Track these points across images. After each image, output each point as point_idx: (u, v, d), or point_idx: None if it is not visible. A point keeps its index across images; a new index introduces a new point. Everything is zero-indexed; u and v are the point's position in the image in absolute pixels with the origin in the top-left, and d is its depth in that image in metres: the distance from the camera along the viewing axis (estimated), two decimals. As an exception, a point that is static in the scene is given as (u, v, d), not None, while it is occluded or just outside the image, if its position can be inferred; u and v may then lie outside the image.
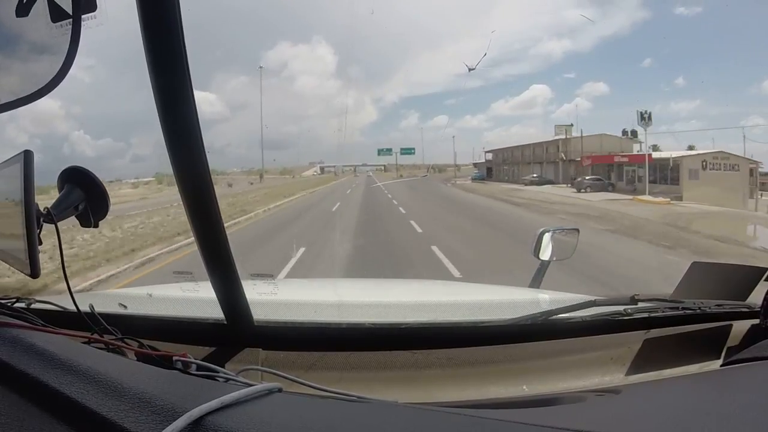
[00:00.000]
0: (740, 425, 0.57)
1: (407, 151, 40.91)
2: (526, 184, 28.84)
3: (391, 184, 30.54)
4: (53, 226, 0.70)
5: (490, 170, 38.18)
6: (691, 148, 24.35)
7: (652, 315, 0.98)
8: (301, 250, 8.36)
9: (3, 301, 0.80)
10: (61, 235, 0.72)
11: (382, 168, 44.09)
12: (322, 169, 45.21)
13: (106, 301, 1.22)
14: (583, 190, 23.22)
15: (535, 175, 30.80)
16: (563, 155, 30.54)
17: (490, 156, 39.61)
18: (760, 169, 21.18)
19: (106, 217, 0.78)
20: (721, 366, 0.89)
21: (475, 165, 40.74)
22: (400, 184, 31.21)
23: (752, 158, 21.46)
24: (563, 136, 31.72)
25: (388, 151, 40.76)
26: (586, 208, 15.38)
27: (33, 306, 0.89)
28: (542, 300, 1.43)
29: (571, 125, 32.20)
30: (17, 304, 0.85)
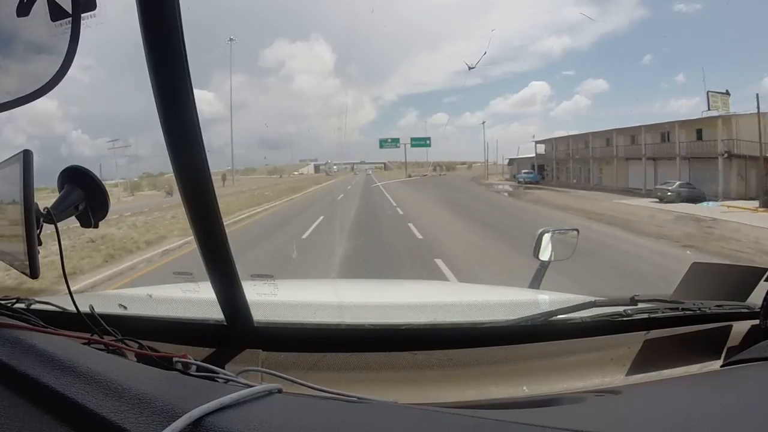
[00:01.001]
0: (740, 426, 0.57)
1: (420, 142, 30.40)
2: (662, 199, 16.25)
3: (406, 192, 20.01)
4: (53, 226, 0.70)
5: (541, 169, 27.03)
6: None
7: (652, 316, 0.98)
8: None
9: (3, 302, 0.80)
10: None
11: (382, 166, 38.19)
12: (316, 167, 39.88)
13: (106, 301, 1.22)
14: None
15: (680, 183, 17.21)
16: (726, 146, 16.68)
17: (542, 148, 27.35)
18: None
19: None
20: (721, 367, 0.89)
21: (511, 162, 30.07)
22: (419, 191, 20.32)
23: None
24: (719, 112, 17.36)
25: (394, 142, 30.75)
26: None
27: (33, 307, 0.89)
28: (542, 301, 1.43)
29: (727, 93, 17.84)
30: (17, 305, 0.85)
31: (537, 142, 27.29)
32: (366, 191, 20.07)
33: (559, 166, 25.90)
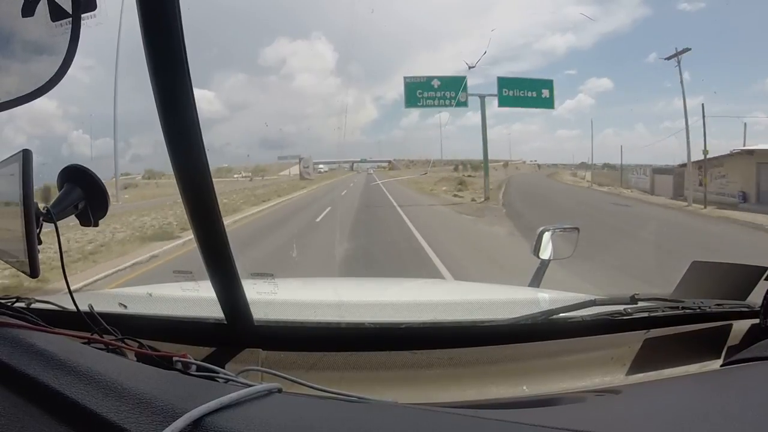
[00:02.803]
0: (740, 425, 0.57)
1: (531, 87, 14.36)
2: None
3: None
4: (53, 225, 0.70)
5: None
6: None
7: (652, 315, 0.98)
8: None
9: (3, 301, 0.81)
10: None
11: (386, 165, 30.06)
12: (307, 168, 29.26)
13: (106, 300, 1.22)
14: None
15: None
16: None
17: None
18: None
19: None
20: (721, 366, 0.89)
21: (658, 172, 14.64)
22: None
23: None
24: None
25: (454, 85, 14.24)
26: None
27: (33, 306, 0.89)
28: (542, 299, 1.43)
29: None
30: (17, 304, 0.85)
31: None
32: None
33: None
